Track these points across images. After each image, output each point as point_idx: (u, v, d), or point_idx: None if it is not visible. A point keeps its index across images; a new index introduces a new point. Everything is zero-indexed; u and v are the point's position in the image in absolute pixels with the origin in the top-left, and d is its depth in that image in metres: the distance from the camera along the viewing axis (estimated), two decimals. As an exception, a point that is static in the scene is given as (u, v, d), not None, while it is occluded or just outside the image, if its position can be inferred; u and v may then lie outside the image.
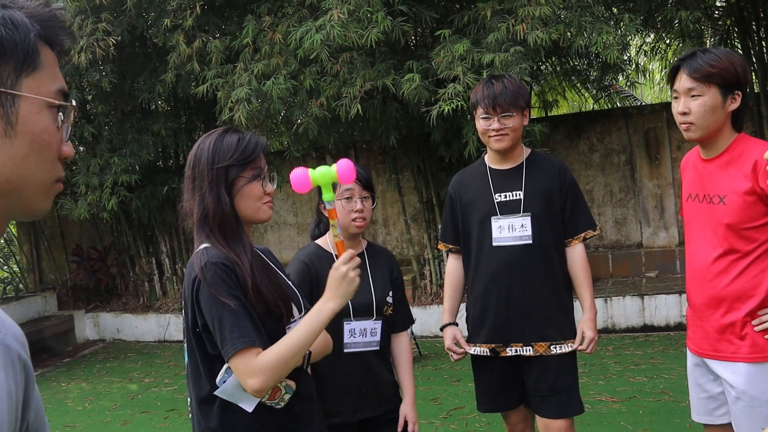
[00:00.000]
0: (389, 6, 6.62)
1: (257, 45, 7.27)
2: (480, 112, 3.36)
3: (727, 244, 2.76)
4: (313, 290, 2.89)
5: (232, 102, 7.08)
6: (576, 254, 3.46)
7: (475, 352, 3.51)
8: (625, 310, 7.90)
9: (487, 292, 3.43)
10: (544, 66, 9.50)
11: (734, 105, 2.75)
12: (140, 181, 9.06)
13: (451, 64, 6.38)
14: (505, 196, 3.40)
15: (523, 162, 3.44)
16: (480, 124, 3.38)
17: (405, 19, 6.69)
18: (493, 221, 3.39)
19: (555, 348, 3.40)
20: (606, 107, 11.54)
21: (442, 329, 3.61)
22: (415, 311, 6.67)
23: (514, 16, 6.43)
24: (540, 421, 3.49)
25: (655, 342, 7.43)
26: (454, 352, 3.53)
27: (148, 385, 7.66)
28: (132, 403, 7.08)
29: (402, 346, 3.29)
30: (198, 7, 7.47)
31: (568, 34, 6.54)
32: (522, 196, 3.37)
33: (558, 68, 9.74)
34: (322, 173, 2.26)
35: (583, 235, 3.47)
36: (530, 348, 3.39)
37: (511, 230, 3.36)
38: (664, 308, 7.79)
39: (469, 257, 3.52)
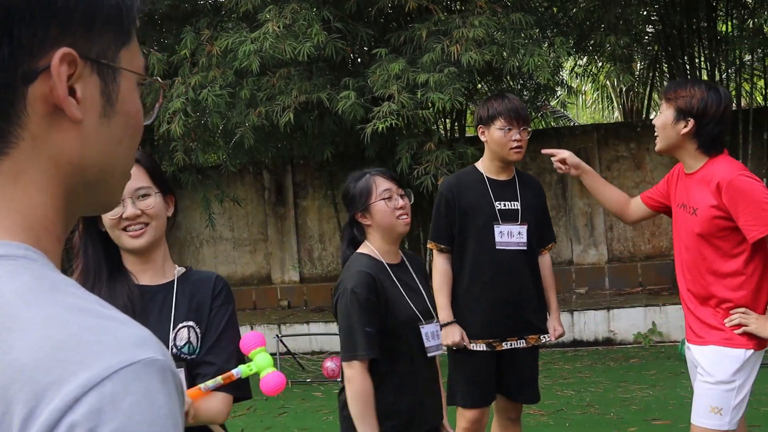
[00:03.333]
0: (326, 22, 6.70)
1: (196, 58, 7.28)
2: (500, 124, 3.59)
3: (696, 249, 3.09)
4: (380, 299, 2.76)
5: (169, 114, 7.07)
6: (546, 262, 3.89)
7: (473, 349, 3.71)
8: (556, 326, 8.07)
9: (488, 292, 3.68)
10: (480, 86, 9.69)
11: (685, 129, 3.04)
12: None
13: (386, 83, 6.49)
14: (505, 205, 3.69)
15: (515, 176, 3.79)
16: (498, 135, 3.61)
17: (341, 36, 6.78)
18: (495, 227, 3.64)
19: (543, 338, 3.84)
20: (540, 127, 11.80)
21: (443, 327, 3.52)
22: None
23: (449, 38, 6.57)
24: (509, 406, 3.91)
25: (584, 356, 7.61)
26: (456, 347, 3.70)
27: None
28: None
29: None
30: (137, 20, 7.42)
31: (503, 55, 6.71)
32: (519, 207, 3.70)
33: (493, 88, 9.94)
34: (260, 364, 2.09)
35: (550, 245, 3.94)
36: (524, 341, 3.72)
37: (510, 236, 3.66)
38: (593, 324, 7.99)
39: (464, 260, 3.72)
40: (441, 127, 8.43)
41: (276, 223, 10.22)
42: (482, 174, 3.76)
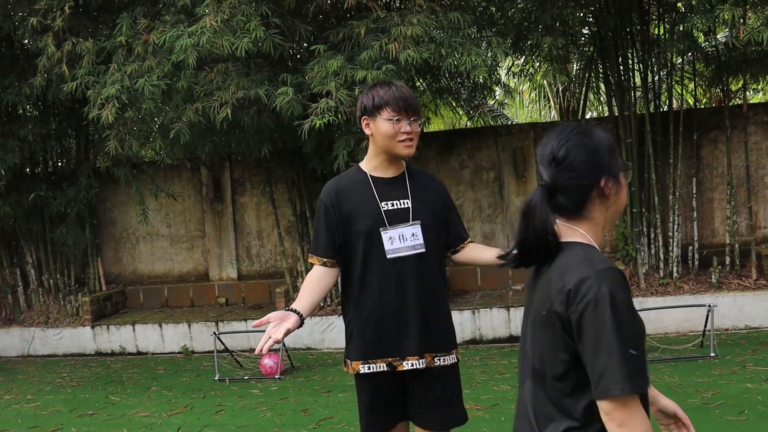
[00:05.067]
0: (265, 18, 6.67)
1: (131, 46, 7.17)
2: (388, 113, 3.17)
3: None
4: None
5: (101, 100, 6.95)
6: (473, 246, 3.50)
7: (370, 370, 3.30)
8: (492, 322, 8.19)
9: (381, 305, 3.25)
10: (418, 83, 9.75)
11: None
12: (5, 188, 8.72)
13: (324, 80, 6.49)
14: (393, 205, 3.26)
15: (404, 171, 3.35)
16: (386, 126, 3.18)
17: (280, 32, 6.76)
18: (382, 233, 3.22)
19: (439, 360, 3.32)
20: (478, 125, 11.94)
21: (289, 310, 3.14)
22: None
23: (388, 35, 6.60)
24: None
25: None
26: (268, 340, 2.94)
27: (8, 402, 7.36)
28: (-11, 420, 6.80)
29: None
30: (67, 8, 7.28)
31: (440, 53, 6.76)
32: (410, 205, 3.27)
33: (432, 86, 10.01)
34: None
35: (468, 241, 3.51)
36: (423, 360, 3.27)
37: (402, 240, 3.24)
38: (529, 319, 8.11)
39: (352, 271, 3.31)
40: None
41: (214, 220, 10.14)
42: (365, 173, 3.33)
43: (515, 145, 9.42)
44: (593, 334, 1.82)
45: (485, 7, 8.70)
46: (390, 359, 3.28)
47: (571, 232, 2.02)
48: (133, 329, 9.22)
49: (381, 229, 3.23)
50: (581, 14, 8.79)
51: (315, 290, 3.26)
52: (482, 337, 8.23)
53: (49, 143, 9.49)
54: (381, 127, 3.20)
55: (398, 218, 3.25)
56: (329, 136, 7.29)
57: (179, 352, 9.01)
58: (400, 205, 3.28)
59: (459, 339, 3.40)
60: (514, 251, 2.04)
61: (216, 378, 7.52)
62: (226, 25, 6.43)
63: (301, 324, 3.11)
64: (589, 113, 14.93)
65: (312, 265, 3.32)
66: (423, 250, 3.26)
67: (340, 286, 3.43)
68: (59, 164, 10.14)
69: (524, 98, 17.19)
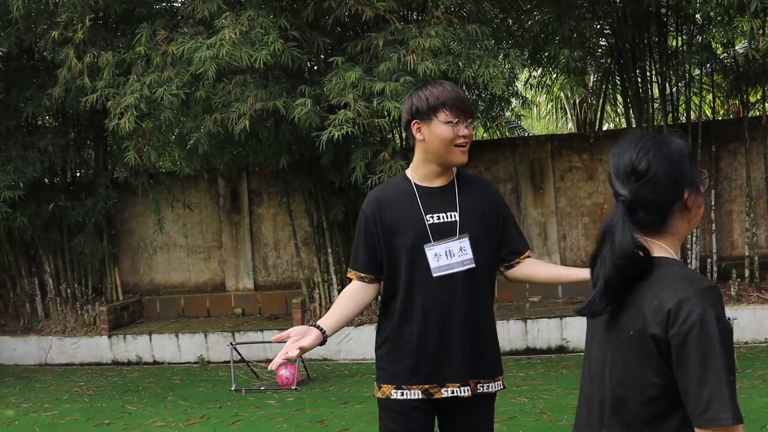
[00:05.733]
0: (283, 30, 6.71)
1: (150, 57, 7.23)
2: (446, 115, 2.87)
3: None
4: None
5: (121, 109, 7.02)
6: (532, 262, 3.13)
7: (403, 396, 2.99)
8: (509, 334, 8.16)
9: (424, 326, 2.95)
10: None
11: None
12: (25, 198, 8.79)
13: (342, 91, 6.51)
14: (439, 218, 2.96)
15: (454, 180, 3.03)
16: (443, 130, 2.88)
17: (298, 44, 6.79)
18: (427, 249, 2.93)
19: (483, 387, 3.01)
20: (495, 137, 11.93)
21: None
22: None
23: (406, 47, 6.63)
24: None
25: (537, 364, 7.70)
26: (286, 354, 2.83)
27: (26, 410, 7.39)
28: (8, 430, 6.82)
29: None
30: (88, 20, 7.36)
31: (458, 65, 6.78)
32: (457, 218, 2.96)
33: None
34: None
35: (527, 253, 3.13)
36: (467, 387, 2.95)
37: (449, 256, 2.93)
38: (546, 331, 8.09)
39: (394, 288, 3.00)
40: (396, 136, 8.47)
41: (231, 231, 10.17)
42: (411, 182, 3.03)
43: (532, 157, 9.41)
44: (699, 359, 1.68)
45: (503, 19, 8.73)
46: (427, 386, 2.97)
47: (655, 247, 1.88)
48: (150, 339, 9.26)
49: (425, 245, 2.94)
50: (598, 26, 8.79)
51: (347, 306, 3.04)
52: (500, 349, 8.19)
53: (68, 154, 9.58)
54: (437, 131, 2.88)
55: (444, 232, 2.95)
56: (347, 147, 7.31)
57: (195, 362, 9.03)
58: (447, 218, 2.97)
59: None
60: (597, 286, 1.86)
61: (232, 388, 7.53)
62: (245, 37, 6.48)
63: (323, 341, 2.89)
64: (606, 125, 14.91)
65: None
66: (472, 265, 2.95)
67: (379, 300, 3.17)
68: (78, 175, 10.21)
69: (541, 110, 17.18)
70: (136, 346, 9.29)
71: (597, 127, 12.66)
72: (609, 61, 9.52)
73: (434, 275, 2.92)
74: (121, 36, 8.22)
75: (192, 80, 6.93)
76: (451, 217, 2.97)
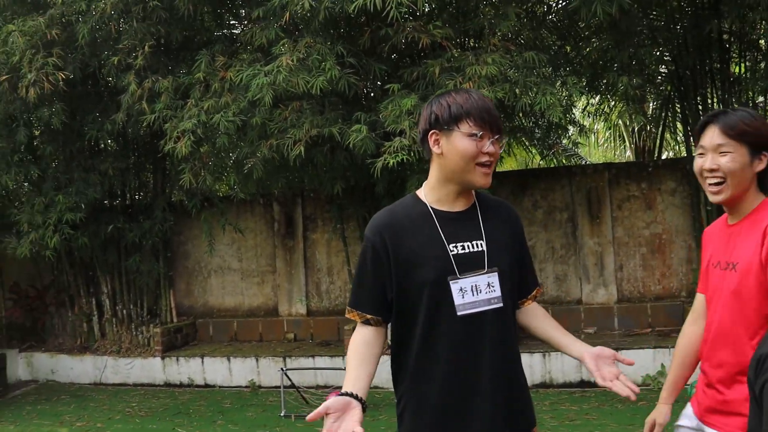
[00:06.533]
0: (340, 57, 6.74)
1: (208, 82, 7.34)
2: (469, 127, 2.43)
3: (735, 313, 2.58)
4: None
5: (177, 133, 7.12)
6: (537, 310, 2.74)
7: None
8: (563, 366, 7.99)
9: (448, 376, 2.47)
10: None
11: (761, 166, 2.62)
12: (85, 220, 8.97)
13: (398, 118, 6.50)
14: (463, 248, 2.50)
15: (475, 202, 2.60)
16: (465, 143, 2.44)
17: (354, 71, 6.81)
18: (452, 283, 2.46)
19: None
20: (551, 165, 11.80)
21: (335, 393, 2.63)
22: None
23: (462, 74, 6.59)
24: None
25: (591, 398, 7.52)
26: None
27: (79, 429, 7.48)
28: (61, 447, 6.91)
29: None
30: (148, 46, 7.52)
31: (515, 92, 6.72)
32: (485, 247, 2.52)
33: (506, 125, 9.96)
34: None
35: (535, 292, 2.76)
36: None
37: (475, 292, 2.47)
38: (601, 365, 7.89)
39: (410, 332, 2.51)
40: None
41: (284, 255, 10.21)
42: (426, 205, 2.56)
43: (589, 186, 9.27)
44: None
45: (560, 46, 8.65)
46: None
47: None
48: (202, 361, 9.31)
49: (450, 278, 2.46)
50: (658, 53, 8.66)
51: (367, 360, 2.51)
52: (552, 381, 8.04)
53: (128, 177, 9.78)
54: (458, 144, 2.44)
55: (471, 264, 2.48)
56: (402, 174, 7.29)
57: (246, 386, 9.04)
58: (473, 248, 2.51)
59: (528, 382, 2.78)
60: None
61: (282, 414, 7.51)
62: (302, 64, 6.53)
63: (363, 411, 2.36)
64: (666, 153, 14.64)
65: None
66: (500, 305, 2.50)
67: (390, 349, 2.66)
68: (136, 197, 10.40)
69: (599, 137, 16.95)
70: (188, 369, 9.36)
71: (656, 155, 12.42)
72: (669, 88, 9.35)
73: (459, 314, 2.46)
74: (181, 62, 8.38)
75: (249, 106, 7.01)
76: (477, 246, 2.52)
